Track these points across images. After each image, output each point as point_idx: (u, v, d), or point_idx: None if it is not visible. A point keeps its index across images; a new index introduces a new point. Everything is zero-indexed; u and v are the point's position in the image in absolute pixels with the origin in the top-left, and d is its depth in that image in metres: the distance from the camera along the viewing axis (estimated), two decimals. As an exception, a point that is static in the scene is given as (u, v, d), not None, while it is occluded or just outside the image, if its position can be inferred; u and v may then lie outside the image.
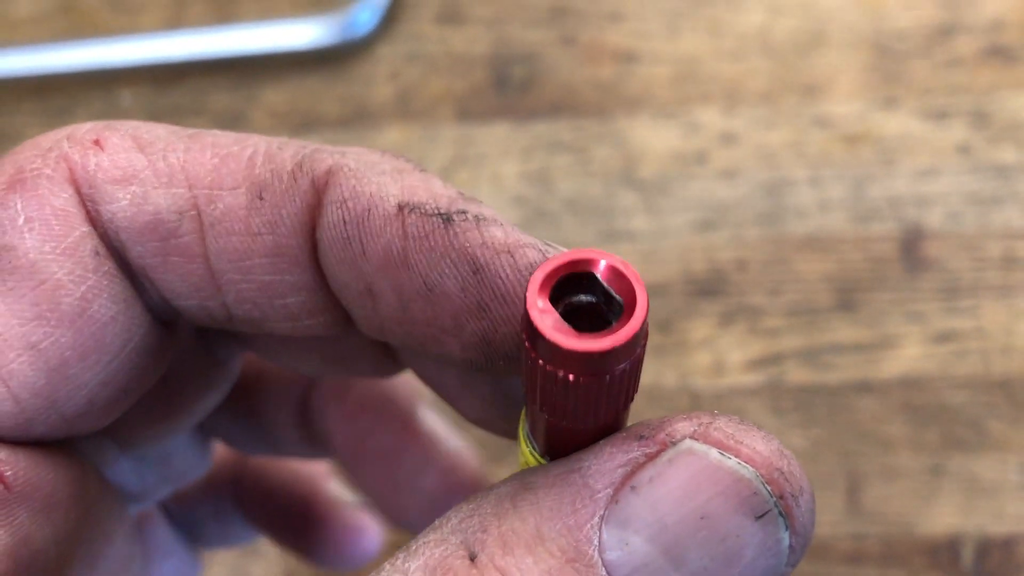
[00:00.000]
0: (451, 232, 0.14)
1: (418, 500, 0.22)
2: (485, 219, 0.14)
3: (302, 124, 0.41)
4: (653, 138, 0.40)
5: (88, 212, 0.14)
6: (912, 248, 0.38)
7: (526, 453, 0.15)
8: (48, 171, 0.14)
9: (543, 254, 0.14)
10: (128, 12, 0.43)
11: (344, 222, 0.14)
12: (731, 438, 0.13)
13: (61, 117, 0.43)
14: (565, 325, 0.12)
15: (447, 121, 0.41)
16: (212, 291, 0.15)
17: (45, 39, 0.44)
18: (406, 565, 0.13)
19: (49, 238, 0.14)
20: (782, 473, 0.13)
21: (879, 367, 0.37)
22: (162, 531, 0.23)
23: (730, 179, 0.39)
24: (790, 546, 0.13)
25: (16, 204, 0.14)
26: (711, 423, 0.13)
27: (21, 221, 0.14)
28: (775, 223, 0.38)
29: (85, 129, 0.15)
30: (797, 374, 0.37)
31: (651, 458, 0.13)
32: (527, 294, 0.13)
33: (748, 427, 0.14)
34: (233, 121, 0.41)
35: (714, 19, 0.40)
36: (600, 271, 0.13)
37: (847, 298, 0.38)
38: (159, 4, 0.43)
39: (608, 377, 0.13)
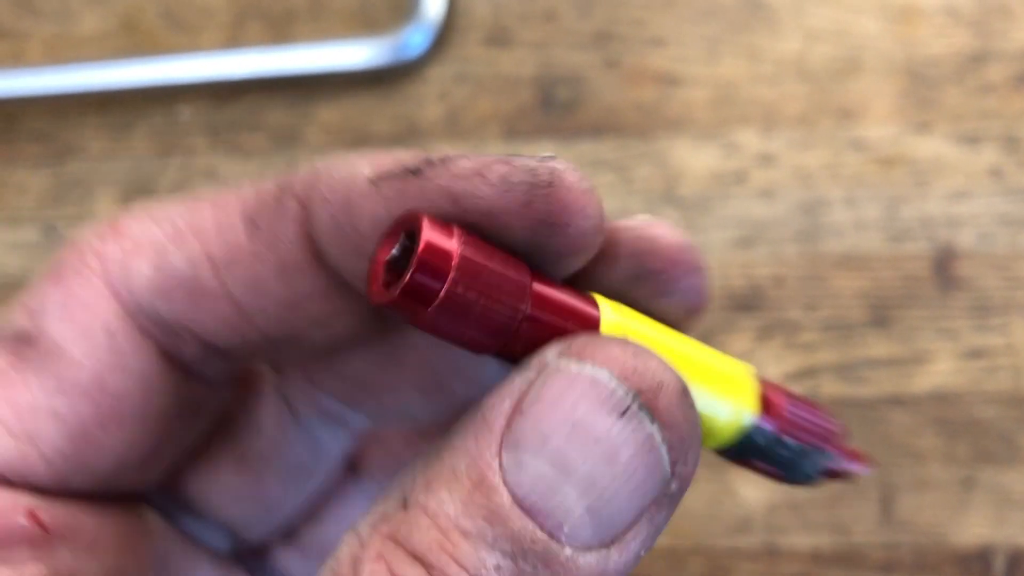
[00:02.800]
0: (422, 180, 0.15)
1: None
2: (450, 158, 0.15)
3: (354, 141, 0.43)
4: (693, 158, 0.41)
5: (116, 291, 0.17)
6: (944, 267, 0.39)
7: None
8: (75, 263, 0.17)
9: (510, 164, 0.15)
10: (187, 31, 0.45)
11: (330, 215, 0.16)
12: (587, 346, 0.15)
13: (123, 131, 0.44)
14: (381, 279, 0.14)
15: (495, 140, 0.42)
16: (243, 322, 0.17)
17: (108, 56, 0.45)
18: (359, 523, 0.15)
19: (70, 322, 0.17)
20: (636, 370, 0.14)
21: (911, 382, 0.38)
22: None
23: (768, 198, 0.40)
24: (667, 442, 0.14)
25: (48, 295, 0.17)
26: (574, 340, 0.15)
27: (50, 309, 0.17)
28: (811, 241, 0.40)
29: (106, 219, 0.17)
30: (831, 387, 0.39)
31: (531, 383, 0.15)
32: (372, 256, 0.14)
33: (609, 339, 0.15)
34: (288, 137, 0.43)
35: (752, 45, 0.42)
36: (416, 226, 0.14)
37: (881, 315, 0.39)
38: (218, 24, 0.45)
39: (434, 309, 0.14)
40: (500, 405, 0.15)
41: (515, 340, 0.15)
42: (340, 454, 0.22)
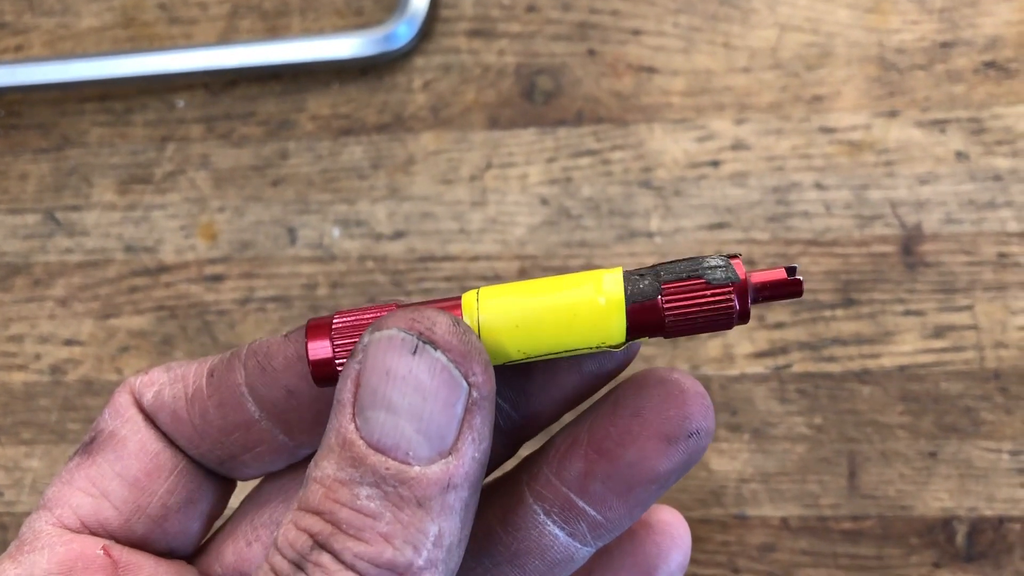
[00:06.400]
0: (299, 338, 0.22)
1: None
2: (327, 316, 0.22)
3: (343, 130, 0.44)
4: (669, 145, 0.42)
5: (138, 405, 0.24)
6: (911, 248, 0.40)
7: None
8: (119, 391, 0.25)
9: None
10: (184, 25, 0.47)
11: (256, 361, 0.23)
12: (380, 321, 0.20)
13: (121, 121, 0.46)
14: None
15: (478, 128, 0.44)
16: (200, 440, 0.24)
17: (107, 49, 0.47)
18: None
19: (118, 419, 0.24)
20: (414, 320, 0.20)
21: (879, 359, 0.40)
22: None
23: (741, 183, 0.42)
24: (453, 361, 0.19)
25: (106, 412, 0.25)
26: (375, 324, 0.20)
27: (107, 416, 0.24)
28: (782, 224, 0.41)
29: (144, 368, 0.26)
30: (801, 365, 0.40)
31: (359, 362, 0.20)
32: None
33: (396, 311, 0.20)
34: (280, 126, 0.45)
35: (728, 34, 0.43)
36: None
37: (849, 295, 0.40)
38: (212, 17, 0.47)
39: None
40: (345, 387, 0.20)
41: None
42: None
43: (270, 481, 0.26)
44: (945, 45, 0.42)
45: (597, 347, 0.20)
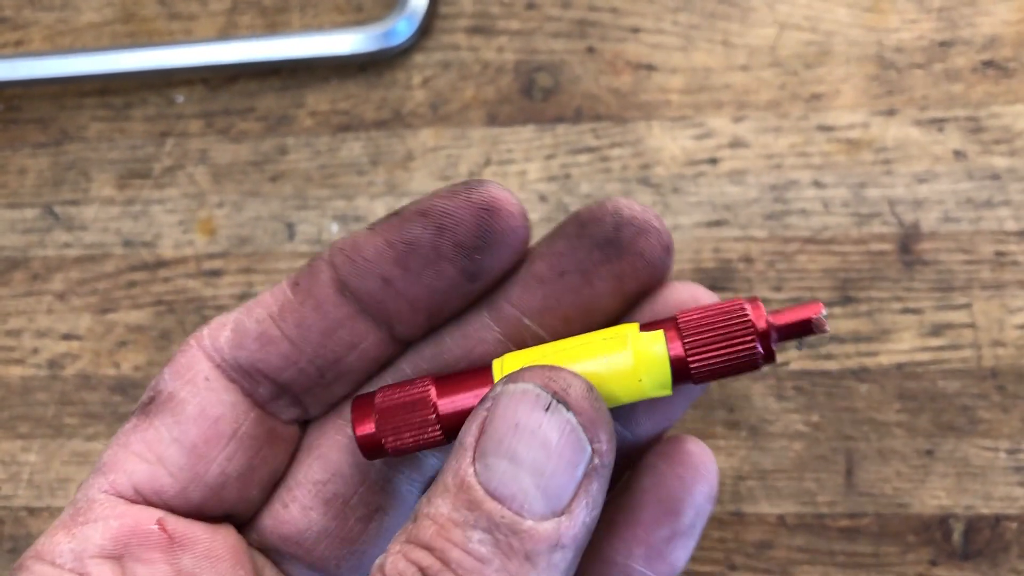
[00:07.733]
0: (401, 215, 0.23)
1: None
2: (413, 202, 0.23)
3: (342, 126, 0.44)
4: (668, 142, 0.42)
5: (208, 355, 0.24)
6: (909, 247, 0.40)
7: None
8: (182, 348, 0.24)
9: (455, 183, 0.22)
10: (184, 20, 0.47)
11: (345, 255, 0.23)
12: (518, 373, 0.21)
13: (120, 116, 0.46)
14: None
15: (477, 125, 0.44)
16: (297, 353, 0.24)
17: (107, 44, 0.47)
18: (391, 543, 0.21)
19: (179, 380, 0.24)
20: (551, 378, 0.20)
21: (876, 357, 0.40)
22: None
23: (739, 180, 0.42)
24: (582, 424, 0.20)
25: (164, 372, 0.24)
26: (511, 373, 0.21)
27: (167, 376, 0.24)
28: (780, 222, 0.41)
29: (205, 323, 0.25)
30: (799, 362, 0.40)
31: (487, 409, 0.20)
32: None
33: (533, 366, 0.21)
34: (279, 122, 0.45)
35: (727, 32, 0.43)
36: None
37: (847, 293, 0.40)
38: (213, 13, 0.47)
39: (390, 455, 0.23)
40: (469, 430, 0.20)
41: (447, 432, 0.22)
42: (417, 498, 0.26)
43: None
44: (943, 44, 0.42)
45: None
